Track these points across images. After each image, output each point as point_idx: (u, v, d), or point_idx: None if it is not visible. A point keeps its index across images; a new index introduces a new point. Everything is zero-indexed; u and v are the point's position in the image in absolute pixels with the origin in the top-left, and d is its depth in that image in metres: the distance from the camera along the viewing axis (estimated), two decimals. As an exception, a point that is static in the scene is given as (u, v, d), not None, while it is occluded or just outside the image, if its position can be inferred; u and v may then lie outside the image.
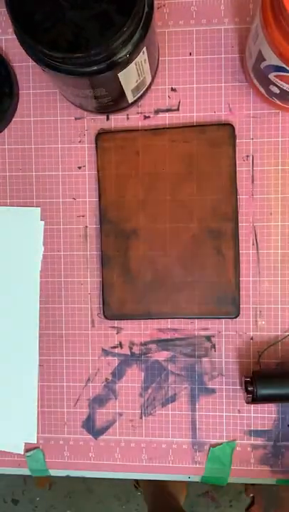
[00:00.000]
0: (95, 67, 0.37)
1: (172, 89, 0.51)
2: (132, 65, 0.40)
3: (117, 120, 0.52)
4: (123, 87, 0.43)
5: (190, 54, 0.51)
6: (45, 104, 0.53)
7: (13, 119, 0.53)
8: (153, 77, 0.49)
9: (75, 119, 0.53)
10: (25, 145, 0.53)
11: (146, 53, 0.41)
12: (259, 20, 0.38)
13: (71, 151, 0.53)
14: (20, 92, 0.53)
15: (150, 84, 0.49)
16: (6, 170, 0.54)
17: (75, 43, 0.36)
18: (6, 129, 0.53)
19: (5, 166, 0.54)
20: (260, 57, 0.41)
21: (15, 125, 0.53)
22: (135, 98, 0.48)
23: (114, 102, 0.47)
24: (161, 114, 0.52)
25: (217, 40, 0.50)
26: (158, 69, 0.50)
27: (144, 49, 0.40)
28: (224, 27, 0.50)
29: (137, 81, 0.44)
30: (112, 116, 0.52)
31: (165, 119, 0.52)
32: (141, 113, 0.52)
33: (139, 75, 0.43)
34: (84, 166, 0.53)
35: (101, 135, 0.51)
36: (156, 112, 0.52)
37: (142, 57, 0.41)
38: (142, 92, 0.48)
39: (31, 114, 0.53)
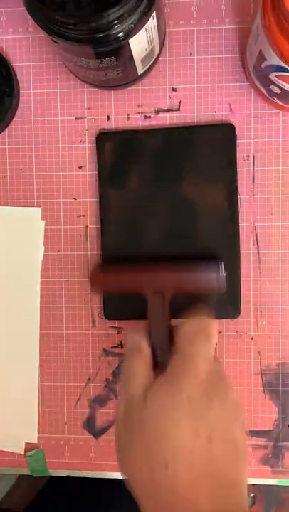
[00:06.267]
0: (107, 33, 0.37)
1: (173, 89, 0.51)
2: (143, 31, 0.40)
3: (118, 120, 0.52)
4: (133, 55, 0.43)
5: (191, 54, 0.51)
6: (45, 104, 0.53)
7: (14, 119, 0.53)
8: (160, 48, 0.49)
9: (76, 118, 0.53)
10: (26, 145, 0.53)
11: (155, 19, 0.41)
12: (260, 20, 0.38)
13: (72, 151, 0.53)
14: (20, 92, 0.53)
15: (158, 56, 0.49)
16: (6, 170, 0.54)
17: (87, 8, 0.37)
18: (6, 129, 0.53)
19: (5, 166, 0.54)
20: (261, 57, 0.41)
21: (15, 125, 0.53)
22: (144, 69, 0.48)
23: (124, 73, 0.46)
24: (161, 114, 0.51)
25: (218, 40, 0.50)
26: (165, 40, 0.50)
27: (154, 14, 0.40)
28: (225, 27, 0.50)
29: (146, 49, 0.44)
30: (112, 117, 0.52)
31: (166, 119, 0.52)
32: (141, 113, 0.52)
33: (148, 43, 0.43)
34: (85, 166, 0.53)
35: (102, 135, 0.51)
36: (157, 111, 0.52)
37: (152, 22, 0.41)
38: (150, 63, 0.48)
39: (32, 114, 0.53)
